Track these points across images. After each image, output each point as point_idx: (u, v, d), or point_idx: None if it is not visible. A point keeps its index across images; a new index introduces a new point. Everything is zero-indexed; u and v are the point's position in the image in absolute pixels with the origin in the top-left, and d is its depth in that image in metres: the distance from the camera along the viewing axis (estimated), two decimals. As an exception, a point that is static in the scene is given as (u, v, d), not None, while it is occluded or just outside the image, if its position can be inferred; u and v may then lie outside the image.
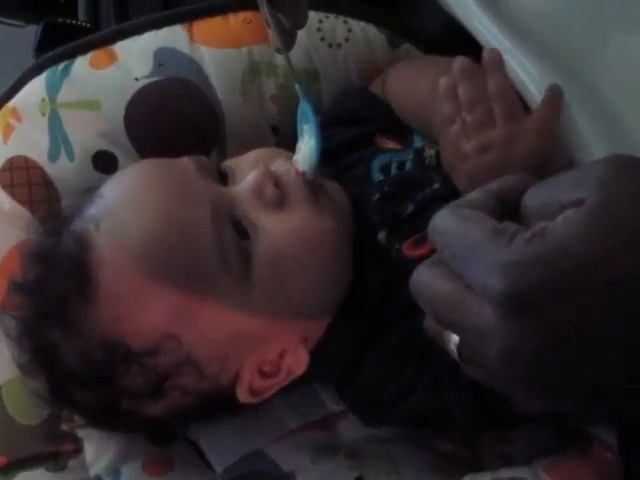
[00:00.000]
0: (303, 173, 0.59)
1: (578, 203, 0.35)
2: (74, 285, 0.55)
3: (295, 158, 0.60)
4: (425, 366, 0.58)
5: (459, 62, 0.57)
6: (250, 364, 0.58)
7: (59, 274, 0.56)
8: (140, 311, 0.54)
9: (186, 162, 0.60)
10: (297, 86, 0.62)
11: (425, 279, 0.40)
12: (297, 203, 0.58)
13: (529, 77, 0.55)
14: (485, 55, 0.56)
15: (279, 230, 0.56)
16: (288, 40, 0.61)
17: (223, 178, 0.60)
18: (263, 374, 0.59)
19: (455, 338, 0.40)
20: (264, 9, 0.59)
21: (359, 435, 0.67)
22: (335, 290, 0.60)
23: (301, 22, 0.60)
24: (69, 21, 2.05)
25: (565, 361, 0.35)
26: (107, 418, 0.61)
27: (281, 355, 0.58)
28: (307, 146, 0.60)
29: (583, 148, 0.51)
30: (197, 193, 0.56)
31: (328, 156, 0.66)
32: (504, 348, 0.36)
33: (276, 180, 0.58)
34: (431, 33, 0.77)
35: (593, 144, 0.51)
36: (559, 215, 0.36)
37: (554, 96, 0.53)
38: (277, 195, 0.57)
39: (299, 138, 0.62)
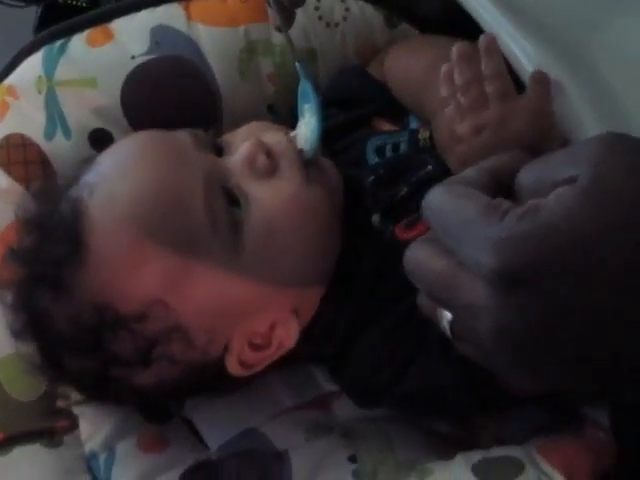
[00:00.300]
0: (300, 150, 0.59)
1: (571, 181, 0.35)
2: (67, 249, 0.56)
3: (294, 135, 0.61)
4: (418, 348, 0.59)
5: (457, 47, 0.57)
6: (240, 335, 0.58)
7: (53, 239, 0.57)
8: (129, 276, 0.55)
9: (182, 134, 0.60)
10: (297, 65, 0.62)
11: (418, 256, 0.40)
12: (288, 173, 0.58)
13: (527, 58, 0.55)
14: (481, 40, 0.56)
15: (269, 198, 0.57)
16: (287, 18, 0.62)
17: (219, 151, 0.61)
18: (254, 346, 0.59)
19: (448, 315, 0.41)
20: None
21: (353, 415, 0.68)
22: (323, 261, 0.60)
23: (300, 0, 0.61)
24: (69, 1, 2.05)
25: (555, 338, 0.35)
26: (98, 387, 0.61)
27: (272, 327, 0.58)
28: (308, 125, 0.60)
29: (579, 129, 0.51)
30: (191, 162, 0.57)
31: (324, 136, 0.66)
32: (496, 325, 0.36)
33: (268, 150, 0.58)
34: (429, 12, 0.76)
35: (589, 125, 0.51)
36: (552, 192, 0.36)
37: (541, 75, 0.53)
38: (268, 164, 0.57)
39: (299, 117, 0.62)
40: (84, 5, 2.09)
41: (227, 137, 0.63)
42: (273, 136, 0.60)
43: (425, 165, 0.61)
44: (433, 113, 0.61)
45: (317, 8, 0.73)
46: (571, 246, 0.34)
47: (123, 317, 0.55)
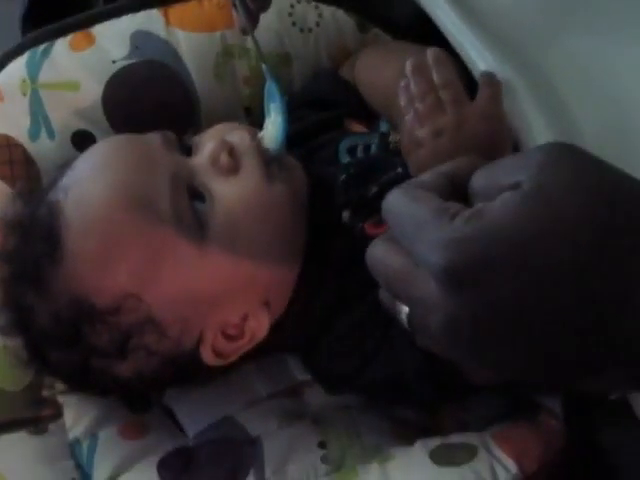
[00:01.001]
0: (260, 145, 0.62)
1: (516, 186, 0.37)
2: (45, 248, 0.58)
3: (261, 135, 0.63)
4: (384, 339, 0.61)
5: (409, 62, 0.59)
6: (212, 326, 0.61)
7: (33, 240, 0.60)
8: (102, 271, 0.58)
9: (152, 136, 0.63)
10: (263, 67, 0.65)
11: (378, 253, 0.42)
12: (249, 170, 0.61)
13: (487, 66, 0.59)
14: (428, 54, 0.59)
15: (231, 194, 0.60)
16: (253, 21, 0.65)
17: (189, 151, 0.63)
18: (228, 337, 0.62)
19: (405, 309, 0.42)
20: None
21: (324, 403, 0.71)
22: (289, 253, 0.63)
23: (266, 2, 0.65)
24: None
25: (498, 331, 0.37)
26: (81, 379, 0.64)
27: (244, 318, 0.61)
28: (274, 124, 0.63)
29: (529, 131, 0.54)
30: (158, 164, 0.60)
31: (297, 137, 0.69)
32: (445, 319, 0.37)
33: (230, 149, 0.61)
34: (401, 18, 0.78)
35: (538, 128, 0.54)
36: (498, 197, 0.37)
37: (490, 78, 0.56)
38: (230, 162, 0.60)
39: (266, 116, 0.64)
40: None
41: (196, 138, 0.65)
42: (237, 136, 0.63)
43: (395, 167, 0.64)
44: (400, 118, 0.63)
45: (291, 14, 0.76)
46: (510, 247, 0.35)
47: (99, 310, 0.58)
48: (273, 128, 0.63)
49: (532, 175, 0.36)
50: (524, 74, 0.57)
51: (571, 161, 0.37)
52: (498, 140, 0.56)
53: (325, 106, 0.74)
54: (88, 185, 0.60)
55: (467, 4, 0.62)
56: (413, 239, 0.39)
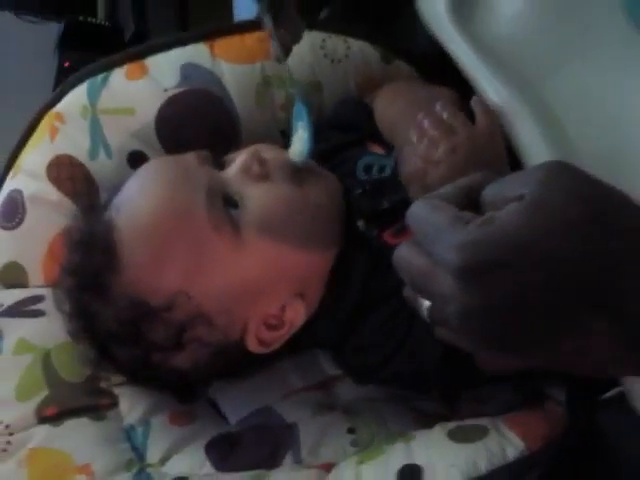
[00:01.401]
0: (287, 158, 0.70)
1: (520, 198, 0.42)
2: (104, 261, 0.66)
3: (289, 149, 0.71)
4: (407, 336, 0.68)
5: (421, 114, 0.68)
6: (255, 317, 0.68)
7: (93, 255, 0.67)
8: (153, 275, 0.66)
9: (189, 156, 0.71)
10: (294, 91, 0.73)
11: (403, 254, 0.47)
12: (278, 177, 0.69)
13: (493, 91, 0.66)
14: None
15: (262, 196, 0.67)
16: (286, 51, 0.72)
17: (222, 167, 0.71)
18: (270, 327, 0.69)
19: (426, 303, 0.46)
20: (268, 25, 0.70)
21: (353, 396, 0.77)
22: (321, 249, 0.70)
23: (298, 36, 0.72)
24: (89, 19, 2.13)
25: (505, 318, 0.42)
26: (144, 372, 0.71)
27: (282, 309, 0.69)
28: (300, 140, 0.71)
29: (531, 154, 0.61)
30: (194, 177, 0.68)
31: (324, 155, 0.77)
32: (460, 309, 0.42)
33: (260, 159, 0.69)
34: (422, 51, 0.86)
35: (540, 151, 0.61)
36: (505, 207, 0.42)
37: (481, 105, 0.65)
38: (261, 170, 0.68)
39: (293, 133, 0.72)
40: (104, 24, 2.19)
41: (230, 156, 0.73)
42: (268, 151, 0.71)
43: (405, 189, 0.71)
44: (399, 148, 0.72)
45: (322, 47, 0.84)
46: (514, 248, 0.40)
47: (154, 309, 0.65)
48: (299, 143, 0.71)
49: (534, 188, 0.41)
50: (528, 101, 0.64)
51: (567, 177, 0.42)
52: (499, 153, 0.65)
53: (350, 129, 0.82)
54: (135, 203, 0.68)
55: (477, 39, 0.69)
56: (433, 242, 0.44)
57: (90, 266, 0.68)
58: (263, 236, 0.66)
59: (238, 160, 0.70)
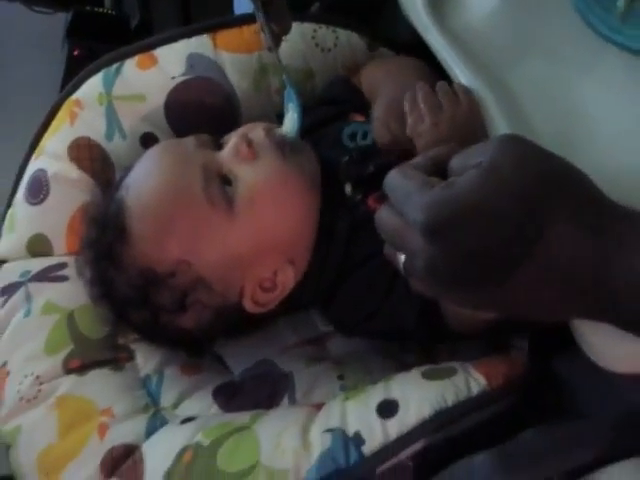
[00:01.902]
0: (275, 134, 0.77)
1: (479, 165, 0.47)
2: (116, 235, 0.74)
3: (281, 128, 0.78)
4: (387, 293, 0.75)
5: (419, 85, 0.75)
6: (250, 281, 0.75)
7: (107, 230, 0.75)
8: (158, 246, 0.73)
9: (188, 140, 0.78)
10: (284, 76, 0.80)
11: (382, 216, 0.52)
12: (265, 156, 0.75)
13: (464, 77, 0.73)
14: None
15: (252, 174, 0.74)
16: (277, 41, 0.79)
17: (221, 147, 0.77)
18: (264, 289, 0.76)
19: (402, 258, 0.51)
20: (259, 19, 0.77)
21: (343, 350, 0.85)
22: (305, 219, 0.76)
23: (287, 28, 0.79)
24: (97, 9, 2.19)
25: (463, 266, 0.47)
26: (154, 332, 0.78)
27: (275, 273, 0.75)
28: (291, 119, 0.78)
29: (496, 130, 0.69)
30: (191, 159, 0.75)
31: (312, 127, 0.84)
32: (425, 262, 0.47)
33: (249, 141, 0.75)
34: (404, 36, 0.91)
35: (503, 127, 0.68)
36: (465, 172, 0.47)
37: (462, 87, 0.72)
38: (249, 151, 0.75)
39: (285, 113, 0.79)
40: (110, 12, 2.24)
41: (226, 137, 0.79)
42: (255, 131, 0.78)
43: (390, 155, 0.77)
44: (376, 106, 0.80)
45: (314, 37, 0.91)
46: (470, 208, 0.45)
47: (160, 276, 0.73)
48: (290, 123, 0.78)
49: (489, 156, 0.47)
50: (493, 88, 0.71)
51: (518, 146, 0.47)
52: (477, 130, 0.71)
53: (335, 103, 0.88)
54: (141, 184, 0.76)
55: (450, 31, 0.76)
56: (403, 204, 0.49)
57: (105, 240, 0.75)
58: (254, 209, 0.73)
59: (230, 143, 0.76)
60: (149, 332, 0.80)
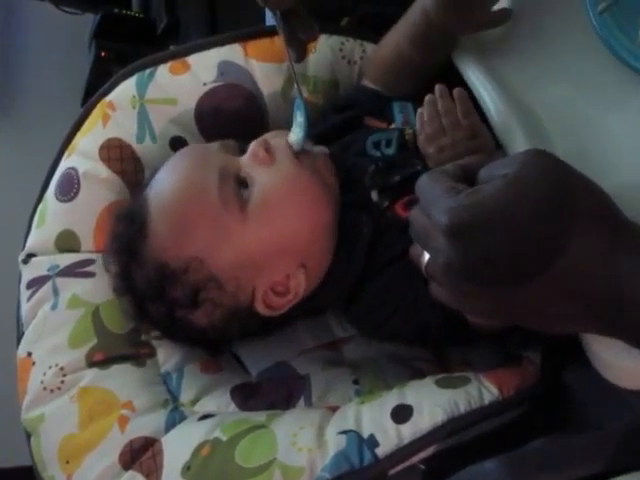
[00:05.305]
0: (291, 144, 0.78)
1: (504, 176, 0.49)
2: (137, 230, 0.77)
3: (289, 135, 0.80)
4: (406, 297, 0.76)
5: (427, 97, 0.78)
6: (261, 284, 0.76)
7: (131, 225, 0.78)
8: (173, 242, 0.75)
9: (213, 144, 0.80)
10: (295, 87, 0.82)
11: (412, 216, 0.55)
12: (282, 161, 0.77)
13: (494, 107, 0.76)
14: (455, 92, 0.77)
15: (268, 179, 0.76)
16: (301, 52, 0.82)
17: (245, 152, 0.79)
18: (277, 293, 0.77)
19: (426, 256, 0.54)
20: (280, 30, 0.80)
21: (358, 356, 0.87)
22: (318, 225, 0.77)
23: (313, 36, 0.82)
24: (124, 11, 2.22)
25: (480, 275, 0.49)
26: (170, 327, 0.79)
27: (287, 277, 0.76)
28: (300, 127, 0.79)
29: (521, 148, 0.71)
30: (211, 163, 0.77)
31: (324, 134, 0.86)
32: (445, 261, 0.50)
33: (267, 147, 0.77)
34: None
35: (527, 145, 0.71)
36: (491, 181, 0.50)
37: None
38: (266, 156, 0.77)
39: (293, 122, 0.81)
40: (138, 15, 2.27)
41: (251, 143, 0.80)
42: (278, 138, 0.80)
43: (415, 165, 0.81)
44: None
45: (341, 50, 0.93)
46: (492, 214, 0.47)
47: (174, 271, 0.74)
48: (298, 130, 0.79)
49: (514, 169, 0.49)
50: (519, 112, 0.74)
51: (542, 161, 0.50)
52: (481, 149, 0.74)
53: (346, 108, 0.91)
54: (162, 183, 0.79)
55: (484, 63, 0.79)
56: (431, 206, 0.52)
57: (127, 235, 0.78)
58: (267, 212, 0.74)
59: (249, 148, 0.79)
60: (167, 327, 0.81)
